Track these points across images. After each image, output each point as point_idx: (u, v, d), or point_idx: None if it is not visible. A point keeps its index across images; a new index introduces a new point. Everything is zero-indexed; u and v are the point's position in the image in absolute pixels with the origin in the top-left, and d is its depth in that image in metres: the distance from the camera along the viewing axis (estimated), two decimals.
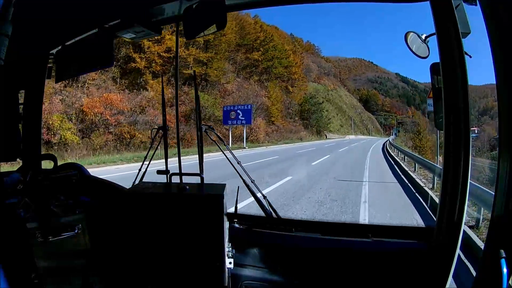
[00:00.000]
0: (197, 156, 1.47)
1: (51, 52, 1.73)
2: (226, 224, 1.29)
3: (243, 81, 34.19)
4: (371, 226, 1.93)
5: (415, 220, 4.94)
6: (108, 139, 19.19)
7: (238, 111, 24.80)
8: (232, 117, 24.78)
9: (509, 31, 0.85)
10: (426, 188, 7.14)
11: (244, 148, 18.86)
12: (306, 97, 46.40)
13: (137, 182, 1.53)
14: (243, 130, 25.45)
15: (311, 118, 44.26)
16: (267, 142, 29.63)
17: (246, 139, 25.61)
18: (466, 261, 2.90)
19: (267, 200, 1.57)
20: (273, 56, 39.71)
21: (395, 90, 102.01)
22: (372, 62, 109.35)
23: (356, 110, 78.38)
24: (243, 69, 35.88)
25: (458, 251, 1.13)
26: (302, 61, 52.94)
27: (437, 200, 1.28)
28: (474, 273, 1.03)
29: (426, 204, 5.95)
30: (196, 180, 1.42)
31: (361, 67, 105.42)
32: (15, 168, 1.66)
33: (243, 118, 24.59)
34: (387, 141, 34.36)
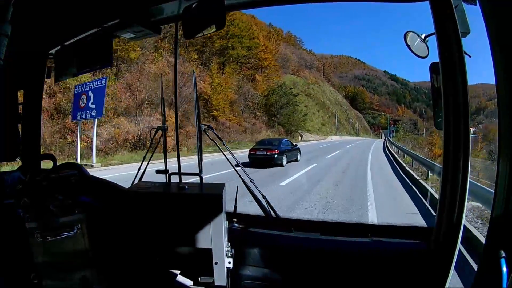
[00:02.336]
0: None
1: (50, 51, 1.74)
2: (225, 224, 1.29)
3: (180, 61, 24.71)
4: (371, 225, 1.93)
5: None
6: None
7: (90, 93, 13.18)
8: (82, 105, 13.26)
9: (509, 31, 0.85)
10: None
11: (92, 166, 11.07)
12: (273, 86, 35.51)
13: (136, 181, 1.53)
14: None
15: (280, 113, 33.26)
16: (186, 149, 16.71)
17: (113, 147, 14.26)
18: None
19: (266, 199, 1.57)
20: (228, 33, 29.80)
21: (384, 87, 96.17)
22: (359, 60, 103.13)
23: (342, 107, 69.32)
24: (187, 47, 26.79)
25: (457, 250, 1.13)
26: (278, 48, 45.92)
27: (437, 197, 1.27)
28: (475, 271, 1.03)
29: None
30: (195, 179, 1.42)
31: (347, 64, 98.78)
32: (14, 168, 1.66)
33: (93, 107, 12.97)
34: (385, 144, 26.68)
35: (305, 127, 42.37)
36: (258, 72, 36.74)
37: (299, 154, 13.31)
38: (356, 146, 28.05)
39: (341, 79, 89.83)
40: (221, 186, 1.33)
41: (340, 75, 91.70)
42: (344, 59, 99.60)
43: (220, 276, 1.24)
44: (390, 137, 46.40)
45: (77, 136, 13.74)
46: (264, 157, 11.15)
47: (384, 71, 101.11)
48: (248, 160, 11.23)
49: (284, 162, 11.40)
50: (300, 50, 73.66)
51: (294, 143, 14.62)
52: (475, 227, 3.81)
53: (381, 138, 63.62)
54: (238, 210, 1.59)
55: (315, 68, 74.12)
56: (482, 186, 4.01)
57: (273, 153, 11.25)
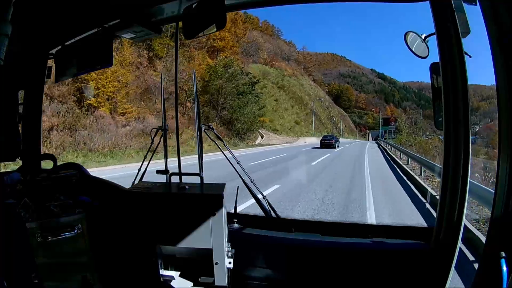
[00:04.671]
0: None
1: (50, 52, 1.73)
2: (226, 224, 1.29)
3: None
4: (371, 226, 1.93)
5: None
6: None
7: None
8: None
9: (509, 31, 0.85)
10: None
11: None
12: (215, 66, 24.71)
13: (136, 181, 1.53)
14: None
15: (223, 104, 24.17)
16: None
17: None
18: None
19: (267, 200, 1.57)
20: None
21: (370, 85, 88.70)
22: (345, 57, 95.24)
23: (323, 104, 60.43)
24: None
25: (458, 250, 1.13)
26: (245, 32, 38.88)
27: (437, 197, 1.27)
28: (475, 271, 1.03)
29: None
30: (195, 180, 1.42)
31: (332, 62, 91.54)
32: (15, 168, 1.66)
33: None
34: (384, 154, 18.28)
35: (272, 126, 33.59)
36: (213, 54, 27.07)
37: (339, 143, 27.90)
38: (335, 160, 14.52)
39: (325, 76, 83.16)
40: (221, 186, 1.33)
41: (324, 72, 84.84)
42: (328, 56, 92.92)
43: (221, 276, 1.24)
44: (382, 138, 38.26)
45: None
46: (328, 143, 25.32)
47: (371, 69, 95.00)
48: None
49: (336, 146, 25.73)
50: (278, 41, 66.10)
51: (337, 137, 32.00)
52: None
53: (368, 140, 55.92)
54: (238, 210, 1.59)
55: (294, 60, 66.67)
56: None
57: (332, 142, 25.70)
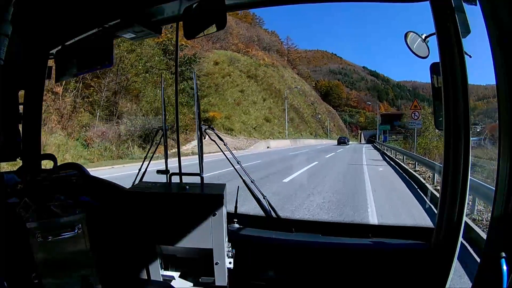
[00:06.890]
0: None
1: (51, 52, 1.73)
2: (226, 224, 1.29)
3: None
4: (371, 226, 1.93)
5: None
6: None
7: None
8: None
9: (509, 31, 0.85)
10: None
11: None
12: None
13: (137, 181, 1.53)
14: None
15: (117, 88, 15.05)
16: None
17: None
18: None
19: (267, 200, 1.57)
20: None
21: (363, 82, 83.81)
22: (335, 54, 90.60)
23: (307, 99, 52.18)
24: None
25: (458, 250, 1.13)
26: None
27: (437, 195, 1.27)
28: (476, 271, 1.03)
29: None
30: (196, 180, 1.42)
31: (322, 59, 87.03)
32: (15, 168, 1.66)
33: None
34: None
35: (229, 124, 26.32)
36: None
37: (349, 142, 40.45)
38: None
39: (314, 73, 78.31)
40: (221, 186, 1.33)
41: (313, 69, 79.94)
42: (318, 53, 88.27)
43: (221, 276, 1.24)
44: (380, 140, 31.24)
45: None
46: (343, 141, 37.39)
47: (363, 67, 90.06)
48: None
49: (348, 143, 38.51)
50: (259, 30, 60.26)
51: (348, 138, 46.29)
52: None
53: (360, 141, 51.23)
54: (239, 210, 1.59)
55: (275, 51, 60.65)
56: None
57: (345, 141, 38.39)
